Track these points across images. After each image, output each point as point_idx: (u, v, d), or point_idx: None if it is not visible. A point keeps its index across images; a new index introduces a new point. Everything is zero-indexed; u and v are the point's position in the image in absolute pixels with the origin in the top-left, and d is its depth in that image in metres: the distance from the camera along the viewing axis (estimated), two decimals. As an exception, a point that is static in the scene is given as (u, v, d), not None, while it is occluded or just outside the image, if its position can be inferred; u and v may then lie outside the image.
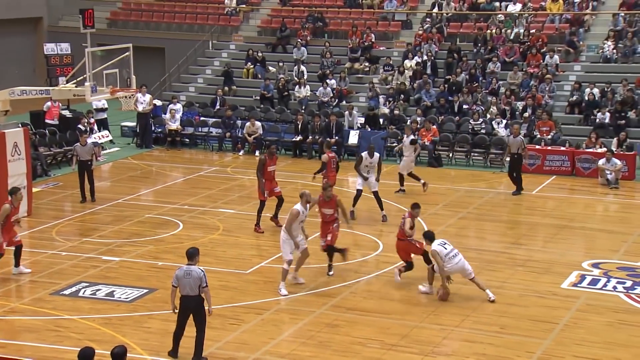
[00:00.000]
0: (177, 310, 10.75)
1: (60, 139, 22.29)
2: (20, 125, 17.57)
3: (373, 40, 28.15)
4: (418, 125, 22.97)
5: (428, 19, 28.66)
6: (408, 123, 22.39)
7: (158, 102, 25.61)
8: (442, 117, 24.36)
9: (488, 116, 23.91)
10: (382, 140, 23.44)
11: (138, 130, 24.41)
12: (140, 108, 23.86)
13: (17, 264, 13.80)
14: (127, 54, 17.51)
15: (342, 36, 29.26)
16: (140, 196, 19.18)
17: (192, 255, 10.82)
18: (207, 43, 30.31)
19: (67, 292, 13.15)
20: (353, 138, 23.49)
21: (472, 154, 22.88)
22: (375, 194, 17.38)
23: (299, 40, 28.54)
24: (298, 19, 30.06)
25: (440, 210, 18.33)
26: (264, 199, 16.24)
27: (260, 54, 28.26)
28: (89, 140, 19.33)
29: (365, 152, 17.50)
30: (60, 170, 21.33)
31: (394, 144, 23.20)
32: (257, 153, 23.44)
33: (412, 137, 19.90)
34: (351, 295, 13.25)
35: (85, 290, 13.18)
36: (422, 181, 19.26)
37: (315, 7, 30.43)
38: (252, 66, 28.13)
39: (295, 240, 13.22)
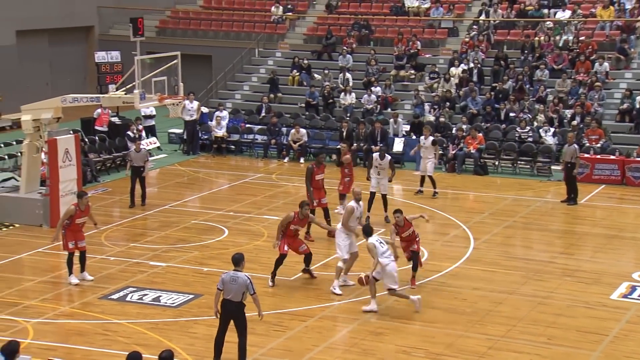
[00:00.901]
0: (219, 315, 10.82)
1: (110, 146, 22.63)
2: (71, 131, 17.88)
3: (419, 47, 28.04)
4: (464, 133, 22.79)
5: (475, 26, 28.45)
6: (426, 125, 22.10)
7: (205, 110, 25.86)
8: (489, 124, 24.13)
9: (535, 124, 23.60)
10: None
11: (185, 137, 24.67)
12: (187, 116, 24.10)
13: (82, 269, 14.01)
14: (175, 61, 17.70)
15: (387, 44, 29.21)
16: (186, 202, 19.39)
17: (238, 261, 10.88)
18: (254, 51, 30.54)
19: (115, 296, 13.34)
20: (398, 145, 23.41)
21: (518, 162, 22.60)
22: (384, 197, 17.46)
23: (345, 47, 28.58)
24: (344, 27, 30.12)
25: (486, 219, 18.14)
26: (313, 207, 16.25)
27: (305, 62, 28.37)
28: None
29: (376, 154, 17.62)
30: (109, 176, 21.66)
31: (440, 152, 23.03)
32: (301, 160, 23.52)
33: (432, 138, 19.95)
34: (395, 304, 13.17)
35: (132, 295, 13.35)
36: (436, 190, 19.56)
37: (361, 15, 30.44)
38: (297, 74, 28.25)
39: (355, 231, 13.48)
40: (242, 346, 10.80)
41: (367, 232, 12.87)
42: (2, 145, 21.71)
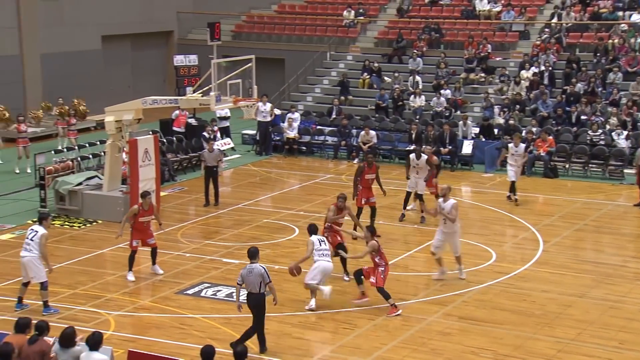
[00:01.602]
0: (242, 309, 11.06)
1: (186, 146, 23.05)
2: (150, 132, 18.28)
3: (489, 50, 27.65)
4: (534, 136, 22.36)
5: (547, 29, 27.86)
6: (516, 132, 21.56)
7: (277, 111, 26.07)
8: (559, 127, 23.60)
9: (607, 127, 22.96)
10: (496, 150, 22.94)
11: (258, 138, 24.94)
12: (260, 117, 24.36)
13: (153, 262, 14.37)
14: (249, 64, 17.89)
15: (458, 47, 28.90)
16: (258, 201, 19.59)
17: (254, 254, 11.23)
18: (325, 54, 30.65)
19: (190, 291, 13.59)
20: (467, 148, 23.13)
21: (589, 165, 22.03)
22: (420, 197, 17.31)
23: (415, 51, 28.40)
24: (414, 30, 29.93)
25: (556, 222, 17.75)
26: (360, 205, 16.31)
27: (376, 65, 28.31)
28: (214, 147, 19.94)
29: (413, 154, 17.59)
30: (186, 175, 22.08)
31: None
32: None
33: (523, 145, 19.39)
34: (463, 304, 13.03)
35: (207, 291, 13.58)
36: (511, 195, 19.03)
37: (432, 19, 30.21)
38: (368, 76, 28.22)
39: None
40: (249, 332, 11.02)
41: (312, 230, 12.95)
42: (87, 145, 22.36)
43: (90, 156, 21.24)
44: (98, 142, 22.31)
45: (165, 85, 31.95)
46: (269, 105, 24.76)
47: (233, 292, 13.30)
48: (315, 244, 12.72)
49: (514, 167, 18.97)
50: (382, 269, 12.65)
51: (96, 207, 17.67)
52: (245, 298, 11.12)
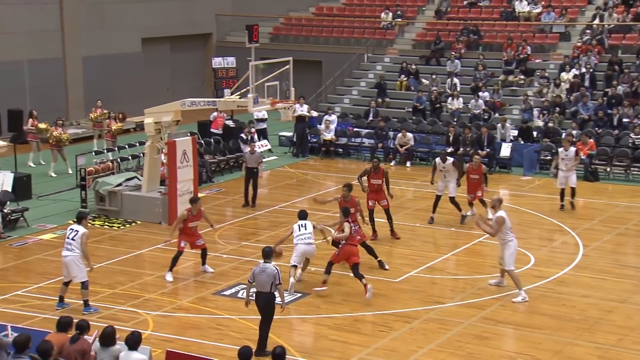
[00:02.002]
0: (249, 306, 11.18)
1: (224, 148, 23.21)
2: (189, 134, 18.45)
3: (529, 52, 27.34)
4: (574, 139, 22.03)
5: (588, 31, 27.46)
6: (564, 136, 21.41)
7: (314, 113, 26.11)
8: (600, 130, 23.23)
9: (650, 130, 22.55)
10: (535, 153, 22.69)
11: (295, 140, 24.99)
12: (297, 120, 24.32)
13: (203, 263, 14.58)
14: (287, 67, 17.93)
15: (496, 49, 28.63)
16: (295, 203, 19.60)
17: (268, 254, 11.30)
18: (363, 56, 30.60)
19: (227, 292, 13.68)
20: (505, 151, 22.89)
21: (631, 168, 21.65)
22: (452, 199, 17.21)
23: (453, 52, 28.21)
24: (453, 32, 29.73)
25: (596, 226, 17.48)
26: (370, 208, 16.36)
27: (414, 67, 28.19)
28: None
29: (438, 158, 17.60)
30: (223, 177, 22.22)
31: (547, 157, 22.40)
32: (408, 164, 23.37)
33: (573, 149, 18.83)
34: (501, 308, 12.90)
35: (244, 292, 13.57)
36: (569, 201, 18.49)
37: (471, 20, 29.98)
38: (405, 78, 28.11)
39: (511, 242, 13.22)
40: (263, 334, 11.05)
41: (300, 216, 13.86)
42: (126, 146, 22.63)
43: (130, 157, 21.49)
44: (137, 144, 22.56)
45: (204, 87, 32.21)
46: (305, 106, 24.80)
47: (287, 303, 13.36)
48: (294, 230, 13.76)
49: (565, 172, 18.43)
50: (341, 247, 13.45)
51: (135, 208, 17.88)
52: (254, 297, 11.16)
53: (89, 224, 17.42)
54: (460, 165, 17.82)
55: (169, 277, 14.24)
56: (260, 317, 11.23)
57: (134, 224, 17.69)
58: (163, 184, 18.25)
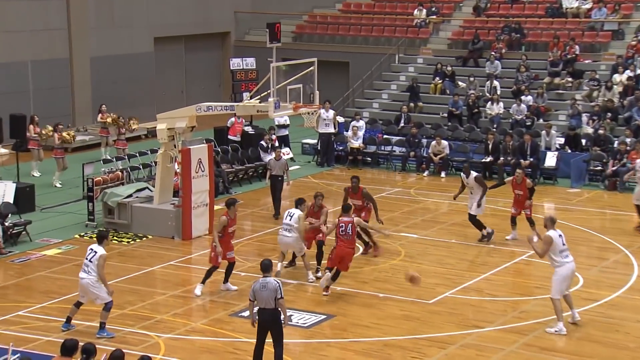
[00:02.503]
0: (256, 324, 11.17)
1: (242, 156, 23.27)
2: (204, 141, 18.53)
3: (577, 52, 27.21)
4: (627, 147, 21.87)
5: (643, 29, 27.31)
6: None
7: (341, 119, 26.13)
8: (656, 138, 23.04)
9: None
10: (583, 163, 22.54)
11: (319, 148, 25.05)
12: (322, 125, 24.40)
13: (226, 280, 14.65)
14: (311, 68, 17.92)
15: (541, 48, 28.53)
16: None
17: (267, 267, 11.37)
18: (394, 57, 30.65)
19: (245, 314, 13.68)
20: (550, 160, 22.76)
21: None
22: (473, 218, 17.10)
23: (493, 53, 28.16)
24: (492, 30, 29.68)
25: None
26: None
27: (449, 68, 28.18)
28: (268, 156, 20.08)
29: (462, 173, 17.45)
30: (241, 187, 22.31)
31: (598, 167, 22.24)
32: (442, 174, 23.32)
33: None
34: (545, 334, 12.81)
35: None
36: None
37: (513, 17, 29.91)
38: (440, 81, 28.10)
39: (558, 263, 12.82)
40: (279, 356, 11.03)
41: (295, 203, 14.68)
42: (137, 154, 22.77)
43: (141, 166, 21.65)
44: (149, 152, 22.70)
45: (221, 90, 32.44)
46: (331, 112, 24.85)
47: (291, 315, 13.41)
48: (284, 217, 15.05)
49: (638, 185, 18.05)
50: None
51: (146, 221, 17.99)
52: (257, 314, 11.19)
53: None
54: (486, 180, 17.59)
55: (198, 290, 14.38)
56: (257, 337, 11.26)
57: (144, 238, 17.81)
58: (176, 195, 18.36)
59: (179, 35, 31.64)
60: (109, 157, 22.80)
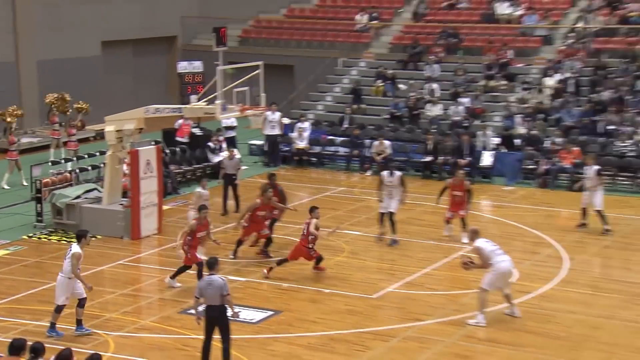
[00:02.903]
0: (200, 322, 11.18)
1: (190, 157, 23.10)
2: (153, 142, 18.35)
3: (510, 56, 27.64)
4: (557, 147, 22.29)
5: (572, 34, 27.84)
6: (589, 152, 20.56)
7: (286, 121, 26.10)
8: (585, 138, 23.53)
9: (637, 138, 22.88)
10: (517, 162, 22.91)
11: (266, 149, 24.97)
12: (268, 127, 24.32)
13: (174, 276, 14.50)
14: (257, 71, 17.92)
15: (477, 53, 28.88)
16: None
17: (213, 264, 11.31)
18: (337, 60, 30.72)
19: (194, 310, 13.56)
20: (487, 159, 23.09)
21: (618, 178, 21.93)
22: (390, 215, 16.99)
23: (432, 57, 28.43)
24: (431, 35, 29.96)
25: (582, 238, 17.68)
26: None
27: (390, 72, 28.35)
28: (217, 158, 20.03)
29: (386, 172, 17.29)
30: (190, 188, 22.08)
31: (531, 166, 22.63)
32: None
33: (595, 167, 18.01)
34: (483, 326, 12.95)
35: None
36: (607, 227, 17.78)
37: (450, 23, 30.24)
38: (382, 84, 28.25)
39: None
40: (226, 351, 11.04)
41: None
42: (85, 156, 22.40)
43: (90, 168, 21.29)
44: (97, 153, 22.34)
45: (169, 93, 32.09)
46: (277, 114, 24.80)
47: (239, 312, 13.32)
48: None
49: (592, 191, 17.76)
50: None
51: (95, 222, 17.70)
52: (205, 312, 11.15)
53: (45, 239, 17.32)
54: (426, 179, 17.61)
55: (176, 283, 14.43)
56: (205, 333, 11.18)
57: (94, 238, 17.51)
58: (125, 196, 18.13)
59: (127, 39, 31.21)
60: (56, 160, 22.41)
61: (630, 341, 12.37)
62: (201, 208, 14.71)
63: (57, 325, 12.43)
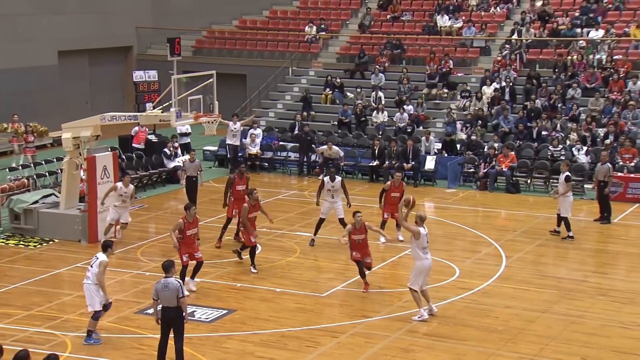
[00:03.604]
0: (159, 322, 11.11)
1: (146, 163, 22.86)
2: (109, 149, 18.12)
3: (451, 66, 28.00)
4: (495, 151, 22.65)
5: (507, 45, 28.33)
6: (564, 160, 20.28)
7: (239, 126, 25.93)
8: (521, 143, 23.95)
9: (568, 142, 23.38)
10: (458, 165, 23.21)
11: (229, 156, 24.62)
12: (230, 136, 24.03)
13: (193, 276, 14.29)
14: (210, 80, 17.86)
15: (419, 62, 29.21)
16: (221, 219, 19.44)
17: (168, 267, 11.25)
18: (287, 70, 30.74)
19: (150, 311, 13.39)
20: (430, 163, 23.34)
21: (550, 180, 22.38)
22: (341, 220, 16.84)
23: (377, 66, 28.63)
24: (376, 46, 30.18)
25: (518, 237, 17.97)
26: (231, 216, 16.85)
27: (338, 80, 28.47)
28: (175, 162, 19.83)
29: (327, 177, 17.14)
30: (146, 192, 21.89)
31: (471, 170, 22.94)
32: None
33: (566, 174, 17.71)
34: (427, 321, 13.08)
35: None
36: (570, 234, 17.54)
37: (394, 34, 30.50)
38: (330, 92, 28.36)
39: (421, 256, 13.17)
40: (179, 350, 11.02)
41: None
42: (43, 162, 22.04)
43: (47, 174, 20.94)
44: (55, 160, 22.01)
45: (125, 101, 31.67)
46: (239, 124, 24.61)
47: (194, 311, 13.24)
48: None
49: (563, 198, 17.48)
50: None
51: (53, 226, 17.43)
52: (161, 312, 11.08)
53: (3, 243, 16.96)
54: (372, 182, 17.61)
55: (192, 286, 14.17)
56: (161, 333, 11.11)
57: (51, 242, 17.22)
58: (82, 200, 17.85)
59: (83, 49, 30.73)
60: (19, 165, 22.00)
61: (562, 333, 12.62)
62: (188, 207, 14.32)
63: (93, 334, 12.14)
